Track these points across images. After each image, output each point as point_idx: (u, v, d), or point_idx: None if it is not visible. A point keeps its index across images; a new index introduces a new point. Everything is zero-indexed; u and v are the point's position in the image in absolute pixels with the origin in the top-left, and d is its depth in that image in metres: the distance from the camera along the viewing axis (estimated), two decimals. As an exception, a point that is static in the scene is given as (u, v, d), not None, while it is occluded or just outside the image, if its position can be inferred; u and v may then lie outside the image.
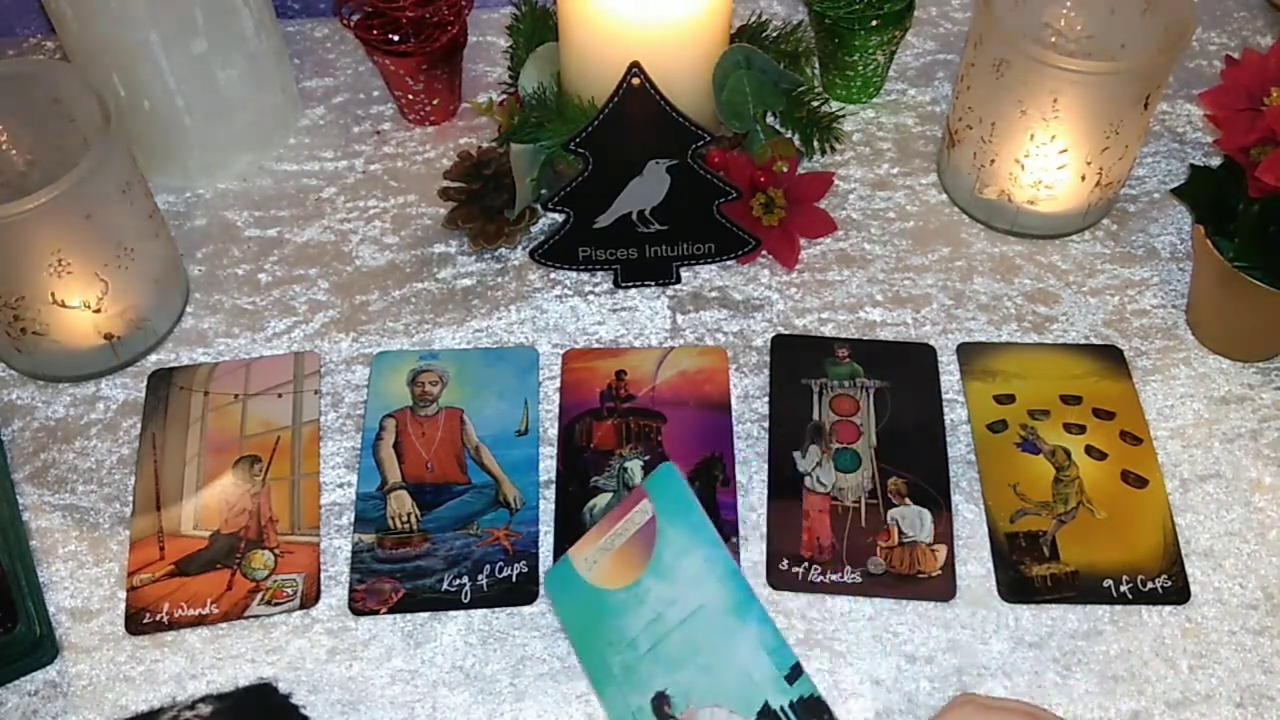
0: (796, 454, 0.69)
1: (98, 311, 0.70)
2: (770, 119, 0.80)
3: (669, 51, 0.71)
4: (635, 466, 0.68)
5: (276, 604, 0.64)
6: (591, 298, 0.77)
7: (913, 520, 0.66)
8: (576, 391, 0.72)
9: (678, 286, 0.77)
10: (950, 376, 0.72)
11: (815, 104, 0.80)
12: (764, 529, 0.66)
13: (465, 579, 0.64)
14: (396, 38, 0.81)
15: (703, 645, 0.53)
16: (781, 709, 0.52)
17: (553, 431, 0.71)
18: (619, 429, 0.70)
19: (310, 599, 0.64)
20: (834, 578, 0.64)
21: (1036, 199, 0.76)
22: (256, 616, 0.64)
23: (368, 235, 0.80)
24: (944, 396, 0.71)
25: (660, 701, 0.54)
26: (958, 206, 0.81)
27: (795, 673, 0.52)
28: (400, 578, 0.65)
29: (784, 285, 0.77)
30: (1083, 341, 0.74)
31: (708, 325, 0.75)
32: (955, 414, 0.71)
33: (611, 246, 0.75)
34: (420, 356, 0.74)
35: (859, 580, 0.64)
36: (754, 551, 0.65)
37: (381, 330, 0.75)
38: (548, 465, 0.69)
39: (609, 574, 0.56)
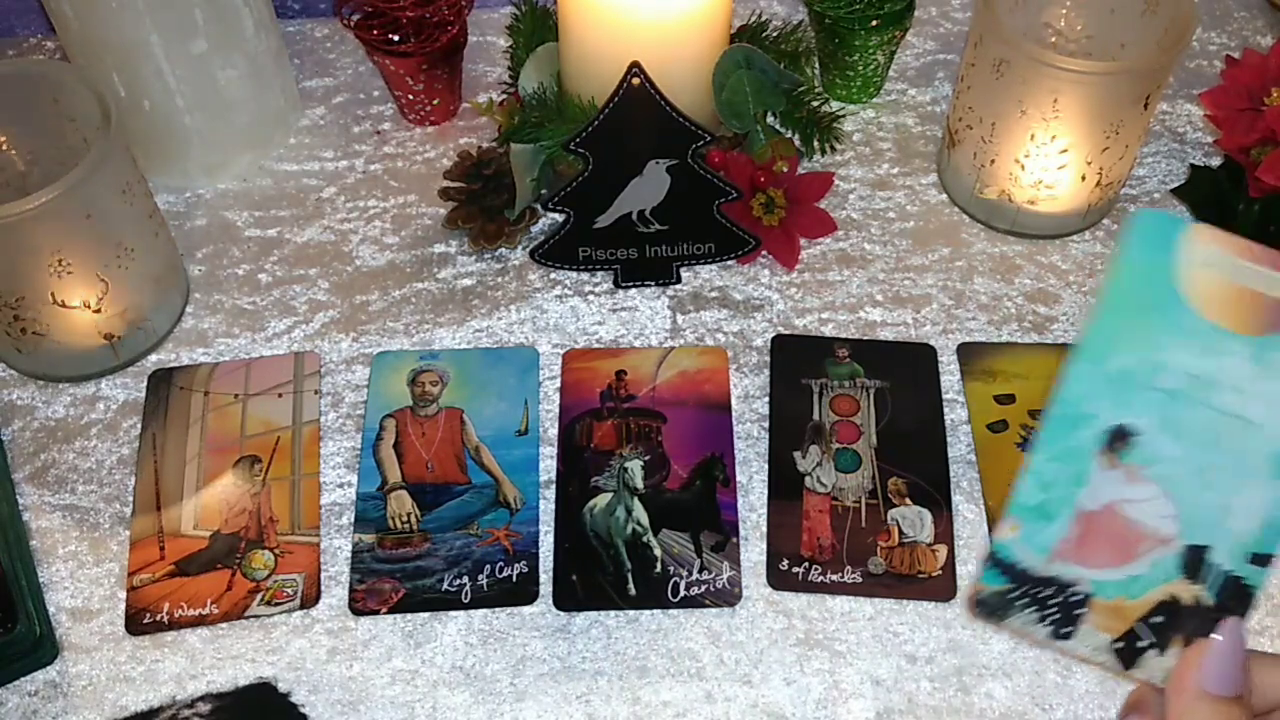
0: (796, 454, 0.69)
1: (98, 311, 0.70)
2: (770, 119, 0.80)
3: (669, 51, 0.71)
4: (635, 466, 0.68)
5: (277, 604, 0.64)
6: (591, 298, 0.77)
7: (913, 520, 0.66)
8: (576, 391, 0.72)
9: (678, 286, 0.77)
10: (950, 376, 0.72)
11: (815, 104, 0.80)
12: (764, 529, 0.66)
13: (465, 579, 0.64)
14: (396, 38, 0.81)
15: (1217, 448, 0.42)
16: (1211, 563, 0.43)
17: (553, 431, 0.71)
18: (619, 429, 0.70)
19: (310, 599, 0.64)
20: (834, 578, 0.64)
21: (1037, 199, 0.76)
22: (257, 616, 0.64)
23: (368, 235, 0.80)
24: (944, 396, 0.71)
25: (1121, 434, 0.43)
26: (958, 206, 0.81)
27: (1261, 561, 0.43)
28: (400, 578, 0.65)
29: (784, 285, 0.77)
30: (1083, 341, 0.74)
31: (708, 325, 0.75)
32: (955, 414, 0.71)
33: (611, 246, 0.75)
34: (420, 356, 0.74)
35: (859, 580, 0.64)
36: (754, 551, 0.65)
37: (381, 330, 0.75)
38: (548, 465, 0.69)
39: (1208, 293, 0.41)
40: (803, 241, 0.79)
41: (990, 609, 0.46)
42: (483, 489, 0.68)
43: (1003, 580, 0.45)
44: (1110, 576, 0.44)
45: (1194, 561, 0.43)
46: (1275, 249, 0.47)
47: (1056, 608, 0.45)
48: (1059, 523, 0.45)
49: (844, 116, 0.83)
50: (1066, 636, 0.45)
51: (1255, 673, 0.43)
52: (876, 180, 0.83)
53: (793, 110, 0.80)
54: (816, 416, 0.70)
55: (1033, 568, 0.45)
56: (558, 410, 0.71)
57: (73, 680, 0.62)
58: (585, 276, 0.78)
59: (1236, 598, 0.44)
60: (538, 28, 0.82)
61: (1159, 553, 0.44)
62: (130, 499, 0.68)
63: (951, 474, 0.68)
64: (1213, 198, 0.69)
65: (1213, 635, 0.43)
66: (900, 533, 0.66)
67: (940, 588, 0.64)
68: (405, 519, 0.67)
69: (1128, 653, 0.44)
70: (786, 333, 0.75)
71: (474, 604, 0.64)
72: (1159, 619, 0.44)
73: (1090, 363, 0.43)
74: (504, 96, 0.84)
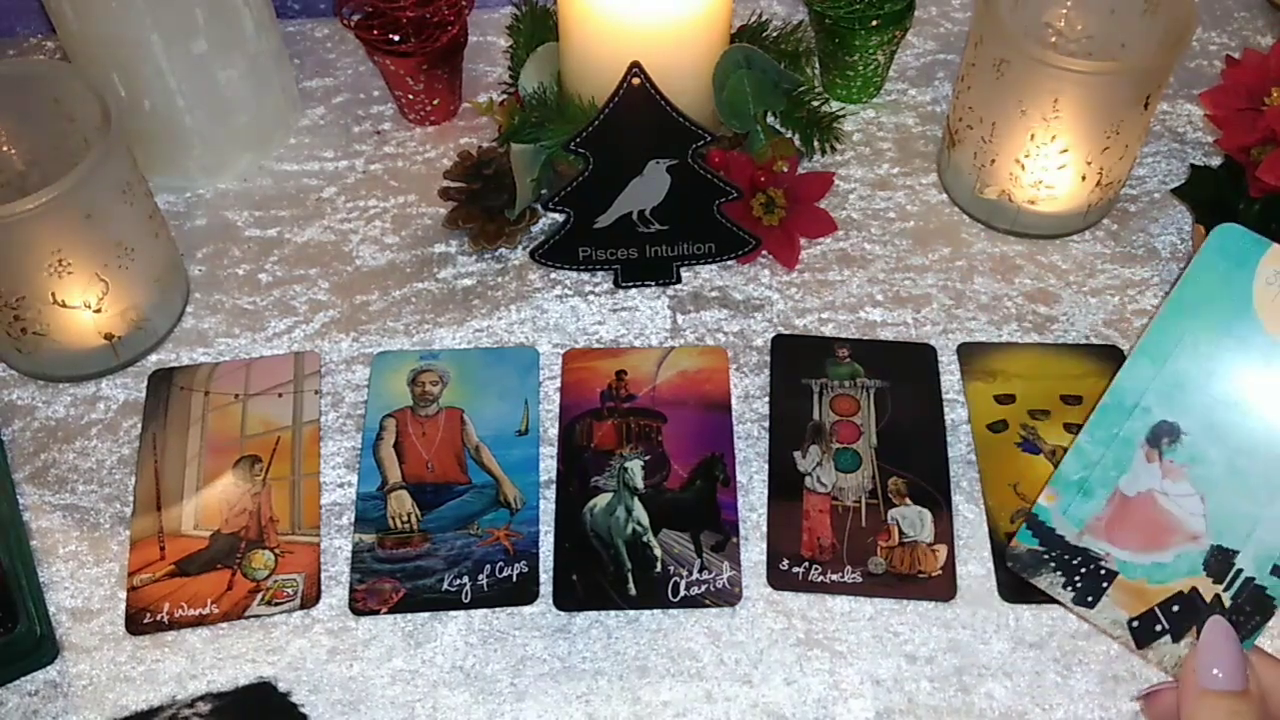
0: (797, 454, 0.69)
1: (98, 311, 0.70)
2: (770, 119, 0.80)
3: (669, 51, 0.71)
4: (635, 466, 0.68)
5: (277, 604, 0.64)
6: (592, 298, 0.77)
7: (913, 520, 0.66)
8: (576, 391, 0.72)
9: (678, 286, 0.77)
10: (950, 376, 0.72)
11: (815, 104, 0.80)
12: (764, 529, 0.66)
13: (465, 579, 0.64)
14: (396, 38, 0.81)
15: (1257, 460, 0.44)
16: (1235, 566, 0.45)
17: (553, 431, 0.71)
18: (619, 429, 0.70)
19: (310, 599, 0.64)
20: (834, 578, 0.64)
21: (1037, 199, 0.76)
22: (257, 616, 0.64)
23: (368, 235, 0.80)
24: (944, 396, 0.71)
25: (1165, 430, 0.46)
26: (958, 206, 0.81)
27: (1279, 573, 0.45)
28: (400, 578, 0.65)
29: (784, 285, 0.77)
30: (1083, 341, 0.74)
31: (708, 325, 0.75)
32: (955, 414, 0.71)
33: (612, 246, 0.75)
34: (420, 356, 0.74)
35: (859, 580, 0.64)
36: (754, 551, 0.65)
37: (382, 330, 0.75)
38: (548, 465, 0.69)
39: (1277, 311, 0.44)
40: (803, 241, 0.79)
41: (1022, 564, 0.48)
42: (483, 489, 0.68)
43: (1035, 542, 0.48)
44: (1137, 560, 0.46)
45: (1219, 562, 0.45)
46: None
47: (1082, 577, 0.47)
48: (1096, 500, 0.47)
49: (844, 116, 0.83)
50: (1089, 605, 0.47)
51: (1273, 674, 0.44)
52: (876, 180, 0.83)
53: (793, 110, 0.80)
54: (816, 416, 0.70)
55: (1066, 536, 0.47)
56: (558, 410, 0.71)
57: (73, 680, 0.62)
58: (585, 276, 0.78)
59: (1256, 604, 0.45)
60: (538, 28, 0.82)
61: (1186, 547, 0.46)
62: (130, 499, 0.68)
63: (951, 474, 0.68)
64: (1213, 198, 0.69)
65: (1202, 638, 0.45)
66: (900, 532, 0.66)
67: (940, 588, 0.64)
68: (405, 519, 0.67)
69: (1142, 633, 0.46)
70: (786, 333, 0.75)
71: (474, 604, 0.64)
72: (1176, 608, 0.46)
73: (1149, 360, 0.45)
74: (504, 96, 0.84)
